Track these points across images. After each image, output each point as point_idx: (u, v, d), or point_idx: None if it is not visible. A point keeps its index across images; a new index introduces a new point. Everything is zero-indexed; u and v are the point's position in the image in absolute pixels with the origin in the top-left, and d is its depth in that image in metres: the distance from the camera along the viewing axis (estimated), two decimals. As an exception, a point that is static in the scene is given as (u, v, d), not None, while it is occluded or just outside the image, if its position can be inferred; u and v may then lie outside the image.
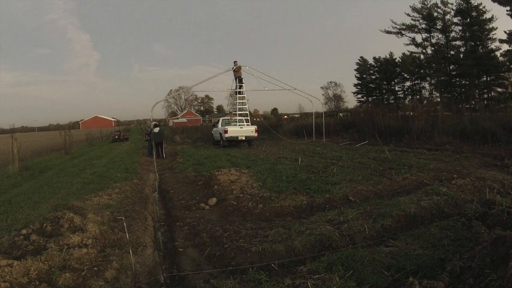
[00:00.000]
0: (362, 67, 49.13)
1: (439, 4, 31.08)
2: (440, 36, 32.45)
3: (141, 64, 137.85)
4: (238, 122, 17.89)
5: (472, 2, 28.88)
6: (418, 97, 38.67)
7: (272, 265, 3.43)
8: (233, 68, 17.76)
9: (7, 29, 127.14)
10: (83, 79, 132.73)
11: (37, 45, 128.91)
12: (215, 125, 21.52)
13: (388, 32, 34.93)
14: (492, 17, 28.53)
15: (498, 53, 28.71)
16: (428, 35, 33.23)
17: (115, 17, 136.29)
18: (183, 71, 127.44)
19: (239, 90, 18.13)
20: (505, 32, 26.97)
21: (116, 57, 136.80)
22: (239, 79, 17.96)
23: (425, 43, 33.73)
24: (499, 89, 30.00)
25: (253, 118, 41.89)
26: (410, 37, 34.23)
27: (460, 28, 30.82)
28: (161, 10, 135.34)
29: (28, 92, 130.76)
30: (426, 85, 39.21)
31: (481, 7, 28.66)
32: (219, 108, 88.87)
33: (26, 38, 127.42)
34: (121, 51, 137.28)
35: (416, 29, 33.30)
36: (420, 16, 32.43)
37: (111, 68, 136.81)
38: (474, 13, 29.06)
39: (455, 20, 30.86)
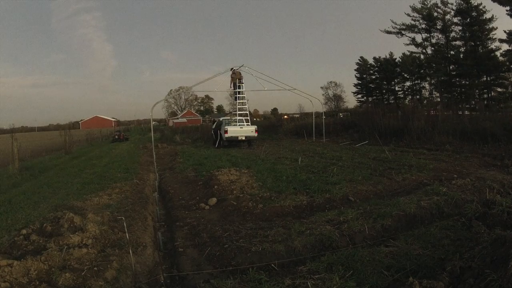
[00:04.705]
0: (362, 67, 49.11)
1: (439, 4, 31.09)
2: (440, 36, 32.45)
3: (151, 69, 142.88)
4: (238, 122, 17.89)
5: (472, 2, 28.88)
6: (418, 97, 38.68)
7: (272, 265, 3.43)
8: (231, 72, 17.82)
9: (42, 39, 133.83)
10: (97, 83, 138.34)
11: (62, 53, 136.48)
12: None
13: (388, 32, 34.95)
14: (492, 17, 28.53)
15: (498, 53, 28.70)
16: (428, 35, 33.24)
17: (135, 28, 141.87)
18: (185, 75, 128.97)
19: (239, 90, 18.14)
20: (505, 32, 26.95)
21: (129, 63, 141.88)
22: (238, 80, 17.99)
23: (425, 43, 33.74)
24: (499, 89, 29.99)
25: (253, 118, 41.91)
26: (410, 37, 34.24)
27: (460, 28, 30.81)
28: (168, 17, 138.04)
29: (44, 93, 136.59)
30: (426, 85, 39.19)
31: (481, 7, 28.66)
32: (219, 108, 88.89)
33: (54, 46, 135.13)
34: (134, 57, 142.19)
35: (416, 29, 33.30)
36: (420, 16, 32.43)
37: (124, 73, 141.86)
38: (474, 13, 29.06)
39: (455, 20, 30.86)
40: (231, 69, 17.88)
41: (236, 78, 17.95)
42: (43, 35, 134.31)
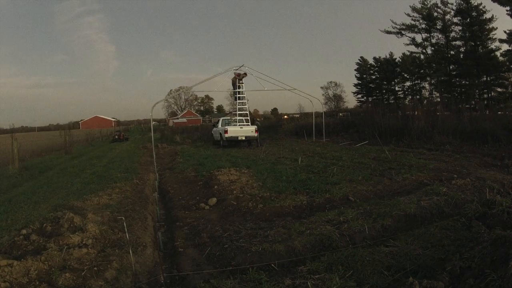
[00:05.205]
0: (362, 67, 49.10)
1: (439, 4, 31.09)
2: (440, 36, 32.44)
3: (152, 70, 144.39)
4: (238, 122, 17.89)
5: (472, 2, 28.87)
6: (418, 97, 38.66)
7: (272, 265, 3.43)
8: (235, 72, 17.75)
9: (45, 41, 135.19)
10: (99, 83, 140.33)
11: (65, 54, 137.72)
12: (215, 125, 21.52)
13: (388, 32, 34.94)
14: (492, 17, 28.52)
15: (498, 53, 28.70)
16: (428, 35, 33.23)
17: (136, 29, 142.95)
18: (185, 75, 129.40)
19: (239, 90, 18.13)
20: (505, 32, 26.95)
21: (131, 64, 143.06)
22: (239, 80, 17.97)
23: (425, 43, 33.73)
24: (499, 89, 29.99)
25: (253, 118, 41.89)
26: (410, 37, 34.24)
27: (460, 28, 30.81)
28: (169, 18, 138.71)
29: (44, 93, 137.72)
30: (426, 85, 39.19)
31: (481, 7, 28.65)
32: (219, 108, 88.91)
33: (57, 48, 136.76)
34: (135, 58, 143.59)
35: (416, 29, 33.30)
36: (420, 16, 32.43)
37: (125, 73, 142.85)
38: (474, 13, 29.06)
39: (455, 20, 30.85)
40: (235, 73, 17.74)
41: (236, 79, 17.93)
42: (46, 36, 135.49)
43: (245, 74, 17.81)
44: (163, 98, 71.64)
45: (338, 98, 60.36)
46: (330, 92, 61.11)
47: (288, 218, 4.92)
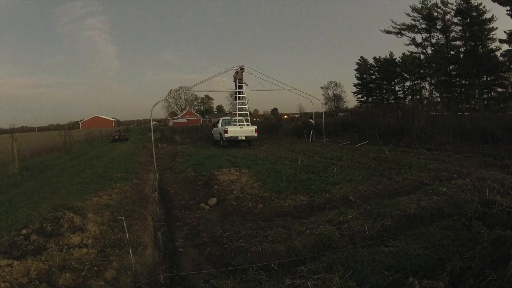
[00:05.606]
0: (362, 67, 49.16)
1: (439, 4, 31.14)
2: (440, 36, 32.54)
3: (153, 70, 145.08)
4: (238, 122, 17.89)
5: (472, 2, 28.92)
6: (418, 97, 38.73)
7: (272, 265, 3.43)
8: (236, 71, 17.72)
9: (47, 42, 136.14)
10: (100, 83, 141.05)
11: (67, 54, 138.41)
12: (215, 125, 21.53)
13: (388, 32, 35.04)
14: (492, 17, 28.59)
15: (498, 53, 28.76)
16: (428, 35, 33.29)
17: (138, 30, 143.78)
18: (186, 75, 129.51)
19: (239, 90, 18.13)
20: (505, 32, 27.02)
21: (132, 64, 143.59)
22: (239, 80, 17.97)
23: (425, 43, 33.79)
24: (499, 89, 30.06)
25: (253, 118, 41.93)
26: (410, 37, 34.33)
27: (460, 28, 30.88)
28: (169, 19, 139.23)
29: (45, 93, 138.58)
30: (426, 85, 39.29)
31: (481, 7, 28.71)
32: (219, 108, 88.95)
33: (59, 48, 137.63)
34: (136, 58, 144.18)
35: (416, 29, 33.39)
36: (420, 16, 32.49)
37: (126, 73, 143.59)
38: (474, 13, 29.09)
39: (455, 20, 30.93)
40: (240, 68, 17.70)
41: (237, 79, 17.94)
42: (47, 37, 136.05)
43: (242, 69, 17.78)
44: (163, 98, 71.60)
45: (338, 98, 60.54)
46: (330, 92, 61.34)
47: (288, 218, 4.92)
